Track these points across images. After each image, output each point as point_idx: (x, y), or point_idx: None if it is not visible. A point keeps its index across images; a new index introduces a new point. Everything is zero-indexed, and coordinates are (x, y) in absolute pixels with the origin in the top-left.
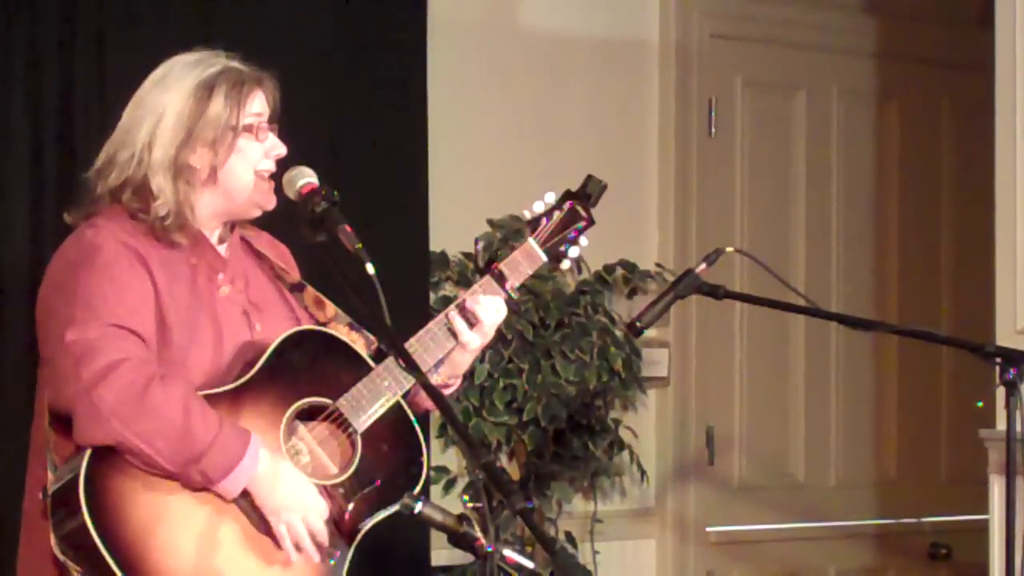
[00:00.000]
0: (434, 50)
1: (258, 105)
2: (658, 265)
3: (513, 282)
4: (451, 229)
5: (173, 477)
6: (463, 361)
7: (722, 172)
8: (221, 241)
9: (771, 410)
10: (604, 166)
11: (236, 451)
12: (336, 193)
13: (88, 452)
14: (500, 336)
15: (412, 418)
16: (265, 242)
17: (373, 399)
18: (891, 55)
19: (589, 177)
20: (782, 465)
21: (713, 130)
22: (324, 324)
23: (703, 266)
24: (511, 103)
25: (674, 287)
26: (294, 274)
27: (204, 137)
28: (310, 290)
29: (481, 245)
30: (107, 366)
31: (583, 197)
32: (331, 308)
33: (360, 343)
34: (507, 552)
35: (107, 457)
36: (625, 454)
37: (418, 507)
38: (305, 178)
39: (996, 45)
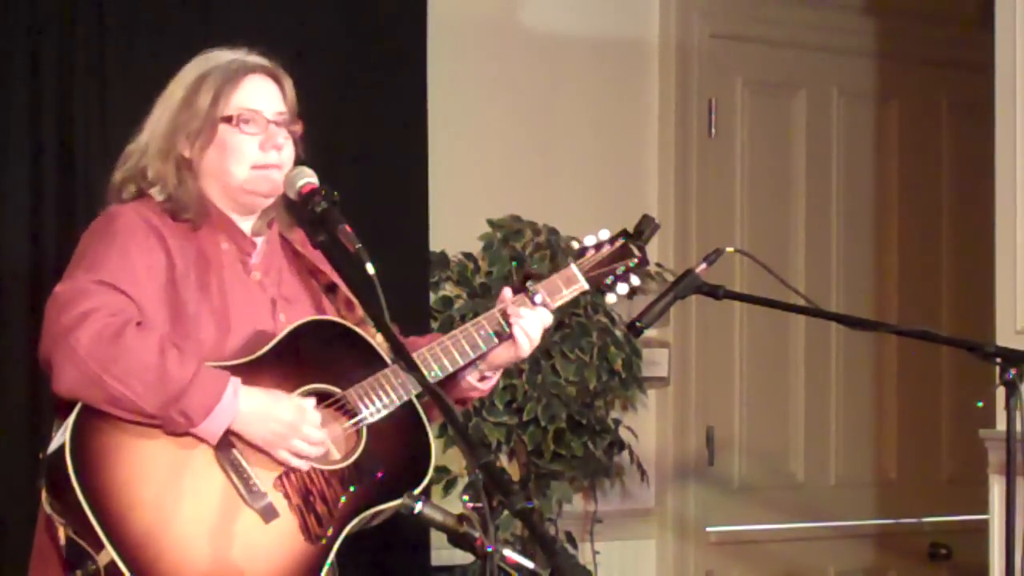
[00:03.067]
0: (434, 50)
1: (248, 99)
2: (658, 265)
3: (549, 303)
4: (451, 229)
5: (156, 423)
6: (506, 361)
7: (722, 172)
8: (257, 234)
9: (771, 410)
10: (604, 166)
11: (215, 390)
12: (336, 193)
13: (78, 406)
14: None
15: (424, 419)
16: (300, 241)
17: (384, 394)
18: (891, 55)
19: (644, 216)
20: (782, 465)
21: (713, 130)
22: None
23: (703, 266)
24: (511, 103)
25: (674, 287)
26: (328, 275)
27: (190, 128)
28: (342, 291)
29: (515, 267)
30: (84, 312)
31: (637, 236)
32: (360, 310)
33: (383, 346)
34: (507, 552)
35: (91, 418)
36: (625, 454)
37: (418, 507)
38: (305, 178)
39: (996, 45)
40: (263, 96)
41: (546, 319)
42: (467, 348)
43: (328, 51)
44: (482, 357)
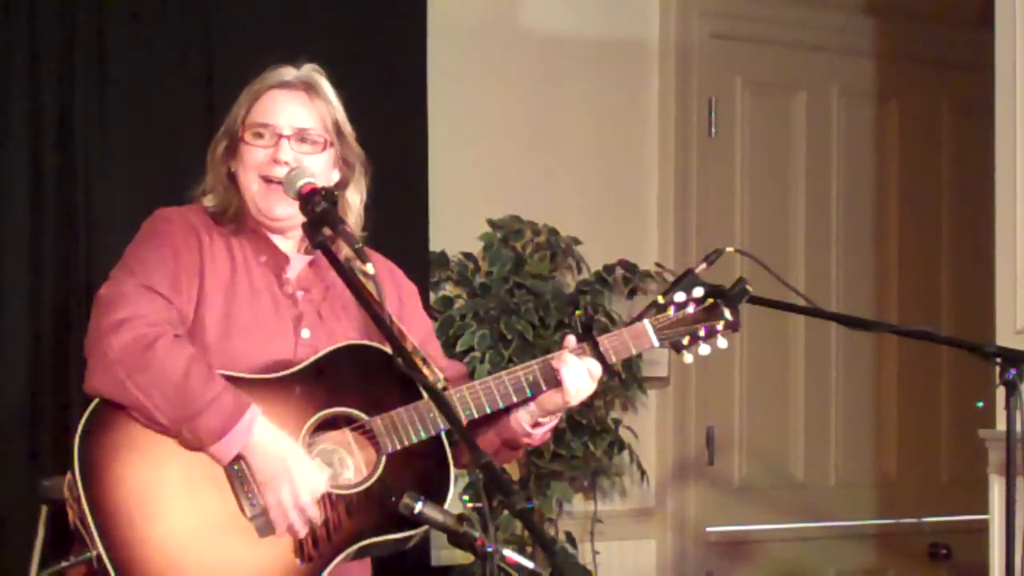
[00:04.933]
0: (434, 50)
1: (262, 114)
2: (658, 265)
3: (613, 358)
4: (451, 229)
5: (170, 434)
6: (555, 407)
7: (722, 172)
8: (307, 252)
9: (771, 410)
10: (604, 166)
11: (231, 416)
12: (336, 193)
13: (94, 403)
14: (500, 336)
15: (448, 457)
16: (380, 267)
17: (410, 426)
18: (891, 55)
19: (739, 279)
20: (782, 465)
21: (713, 130)
22: None
23: (703, 266)
24: (511, 103)
25: (674, 287)
26: (390, 307)
27: (228, 143)
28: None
29: (579, 315)
30: (122, 319)
31: (729, 298)
32: (409, 343)
33: (430, 375)
34: (507, 552)
35: (110, 411)
36: (625, 454)
37: (418, 507)
38: (305, 178)
39: (996, 45)
40: (280, 110)
41: (595, 369)
42: (510, 391)
43: (328, 51)
44: (531, 400)
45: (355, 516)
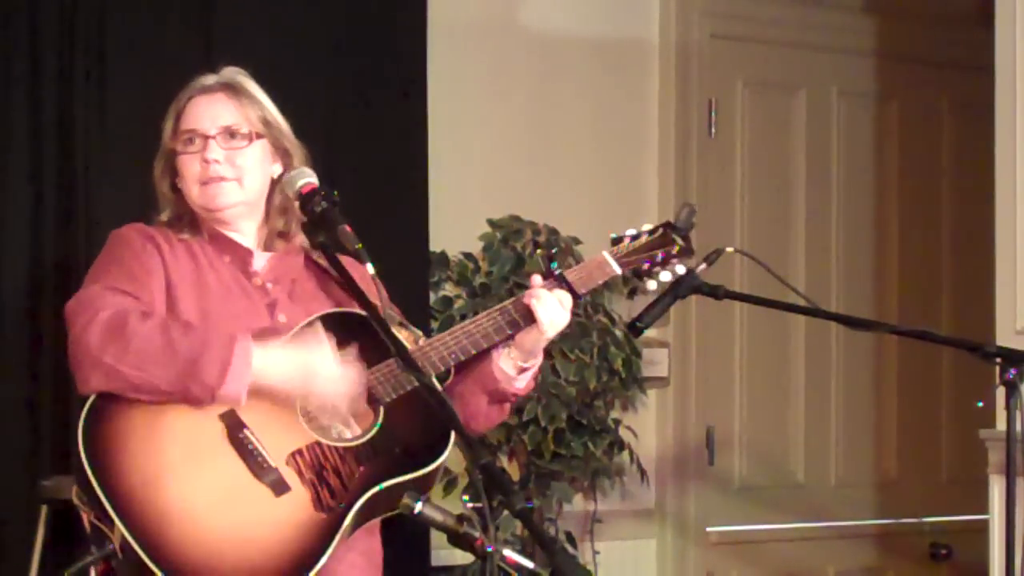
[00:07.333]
0: (434, 50)
1: (188, 121)
2: None
3: (582, 290)
4: (451, 229)
5: (178, 399)
6: (534, 344)
7: (722, 172)
8: (267, 248)
9: (771, 410)
10: (604, 166)
11: (225, 350)
12: (336, 192)
13: (91, 398)
14: None
15: (447, 400)
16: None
17: (402, 376)
18: (891, 55)
19: (684, 203)
20: (782, 465)
21: (713, 130)
22: None
23: (703, 266)
24: (511, 103)
25: (674, 287)
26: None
27: (163, 158)
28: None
29: (540, 254)
30: (91, 315)
31: (676, 225)
32: (397, 312)
33: (409, 339)
34: (507, 552)
35: (105, 404)
36: (625, 454)
37: (418, 507)
38: (305, 178)
39: (996, 45)
40: (204, 114)
41: (565, 300)
42: (490, 331)
43: (328, 51)
44: (508, 340)
45: (365, 465)
